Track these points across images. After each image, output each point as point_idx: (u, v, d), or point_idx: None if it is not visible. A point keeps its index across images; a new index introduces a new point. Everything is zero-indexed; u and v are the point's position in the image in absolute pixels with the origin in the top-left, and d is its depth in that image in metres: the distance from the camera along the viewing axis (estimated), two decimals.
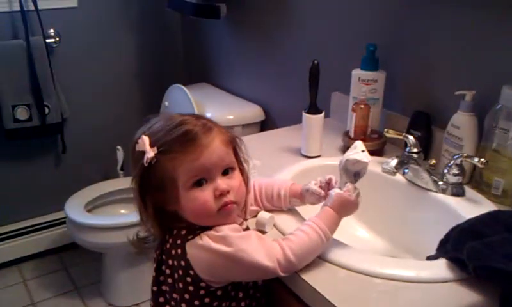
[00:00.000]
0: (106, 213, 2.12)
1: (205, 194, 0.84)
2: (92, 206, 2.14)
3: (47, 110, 2.14)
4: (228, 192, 0.85)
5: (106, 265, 2.12)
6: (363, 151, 0.92)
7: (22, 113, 2.10)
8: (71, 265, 2.38)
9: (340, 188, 0.91)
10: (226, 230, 0.84)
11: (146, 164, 0.83)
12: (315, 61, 1.28)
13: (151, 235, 0.93)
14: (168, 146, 0.84)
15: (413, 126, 1.29)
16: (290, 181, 1.04)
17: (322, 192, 0.95)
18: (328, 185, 0.96)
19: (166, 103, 2.18)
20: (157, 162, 0.84)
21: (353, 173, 0.91)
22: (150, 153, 0.83)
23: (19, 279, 2.29)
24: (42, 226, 2.40)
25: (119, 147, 2.24)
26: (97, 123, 2.40)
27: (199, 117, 0.90)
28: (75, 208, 2.03)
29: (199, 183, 0.84)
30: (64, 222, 2.24)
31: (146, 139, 0.84)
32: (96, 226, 1.94)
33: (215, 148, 0.85)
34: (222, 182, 0.85)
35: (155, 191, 0.86)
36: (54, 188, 2.36)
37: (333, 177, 0.96)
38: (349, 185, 0.90)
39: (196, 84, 2.35)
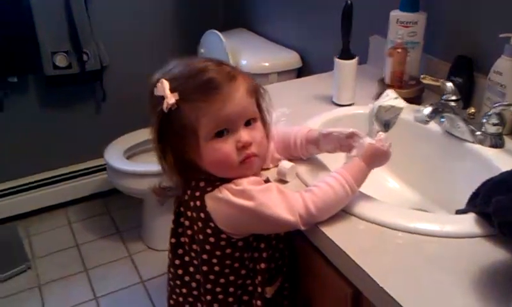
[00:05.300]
0: (145, 160, 2.15)
1: (227, 146, 0.81)
2: (131, 153, 2.17)
3: (85, 58, 2.15)
4: (250, 144, 0.82)
5: (145, 210, 2.17)
6: (396, 98, 0.86)
7: (61, 60, 2.12)
8: (114, 209, 2.46)
9: (370, 137, 0.86)
10: (245, 184, 0.82)
11: (166, 110, 0.80)
12: (349, 1, 1.20)
13: (173, 185, 0.91)
14: (190, 93, 0.80)
15: (454, 73, 1.21)
16: (307, 128, 0.99)
17: (347, 131, 0.89)
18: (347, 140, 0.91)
19: (202, 50, 2.14)
20: (178, 108, 0.80)
21: (384, 122, 0.86)
22: (171, 98, 0.80)
23: (65, 222, 2.39)
24: (87, 171, 2.47)
25: None
26: (136, 70, 2.38)
27: (221, 63, 0.85)
28: (114, 155, 2.07)
29: (221, 134, 0.81)
30: None
31: (166, 84, 0.81)
32: (135, 173, 1.97)
33: (239, 98, 0.81)
34: (245, 134, 0.82)
35: (174, 138, 0.84)
36: (95, 135, 2.41)
37: (356, 131, 0.89)
38: (381, 135, 0.85)
39: (234, 29, 2.30)
